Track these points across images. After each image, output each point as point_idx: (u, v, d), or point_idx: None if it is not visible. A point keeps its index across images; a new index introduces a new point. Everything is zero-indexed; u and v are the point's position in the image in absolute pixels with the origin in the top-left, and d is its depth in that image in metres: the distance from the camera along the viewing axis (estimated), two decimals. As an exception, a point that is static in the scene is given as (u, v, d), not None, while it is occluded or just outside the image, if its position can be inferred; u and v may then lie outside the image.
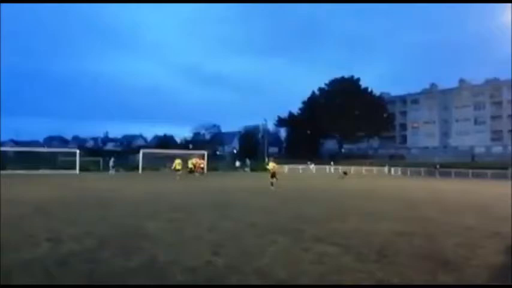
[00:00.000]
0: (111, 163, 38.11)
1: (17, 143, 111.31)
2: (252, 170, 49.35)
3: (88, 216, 9.27)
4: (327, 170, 56.45)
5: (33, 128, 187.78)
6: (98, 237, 6.79)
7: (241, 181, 28.18)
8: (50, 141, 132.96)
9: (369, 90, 79.09)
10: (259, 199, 13.96)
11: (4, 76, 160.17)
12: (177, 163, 34.46)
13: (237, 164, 50.06)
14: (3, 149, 46.93)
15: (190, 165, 34.33)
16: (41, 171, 35.76)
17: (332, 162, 60.91)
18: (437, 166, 54.38)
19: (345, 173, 37.70)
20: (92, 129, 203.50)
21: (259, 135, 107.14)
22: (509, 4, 69.14)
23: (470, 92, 78.33)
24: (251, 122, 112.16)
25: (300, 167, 55.65)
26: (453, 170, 52.21)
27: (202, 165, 39.35)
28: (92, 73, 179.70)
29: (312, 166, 56.82)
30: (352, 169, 56.87)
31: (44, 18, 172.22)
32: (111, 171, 36.33)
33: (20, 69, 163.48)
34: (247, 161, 50.66)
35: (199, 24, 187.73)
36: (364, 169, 58.50)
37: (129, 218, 8.99)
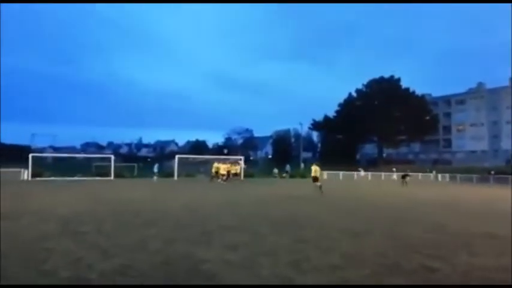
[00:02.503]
0: (155, 169, 36.18)
1: (55, 149, 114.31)
2: (290, 176, 46.95)
3: (126, 239, 7.20)
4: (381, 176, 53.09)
5: (71, 135, 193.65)
6: (137, 272, 4.67)
7: (286, 188, 25.80)
8: (86, 147, 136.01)
9: (411, 90, 74.68)
10: (329, 213, 11.54)
11: (44, 84, 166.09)
12: (223, 168, 32.65)
13: (275, 171, 47.67)
14: (39, 155, 46.85)
15: (222, 171, 32.55)
16: (76, 178, 34.91)
17: (359, 168, 57.28)
18: (492, 172, 49.92)
19: (404, 177, 34.35)
20: (126, 135, 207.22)
21: (292, 140, 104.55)
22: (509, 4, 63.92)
23: (523, 90, 72.45)
24: (282, 127, 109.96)
25: (355, 173, 52.93)
26: (510, 177, 47.62)
27: (237, 171, 37.35)
28: (127, 81, 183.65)
29: (363, 173, 53.72)
30: (395, 175, 53.39)
31: (81, 26, 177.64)
32: (155, 178, 34.48)
33: (59, 77, 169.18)
34: (288, 167, 48.20)
35: (230, 32, 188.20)
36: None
37: (179, 244, 6.83)
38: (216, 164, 34.00)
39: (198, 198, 16.31)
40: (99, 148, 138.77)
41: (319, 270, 5.12)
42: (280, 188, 26.71)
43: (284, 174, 46.54)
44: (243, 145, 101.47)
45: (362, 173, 53.77)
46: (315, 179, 20.84)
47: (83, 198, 15.58)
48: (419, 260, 5.71)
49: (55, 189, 21.34)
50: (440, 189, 29.02)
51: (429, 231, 8.42)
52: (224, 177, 31.97)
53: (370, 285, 4.34)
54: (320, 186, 19.97)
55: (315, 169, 21.62)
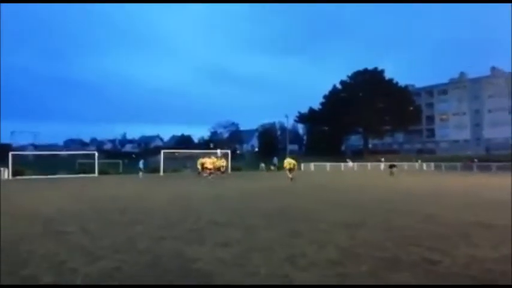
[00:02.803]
0: (140, 165, 34.79)
1: (36, 147, 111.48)
2: (277, 169, 46.87)
3: (112, 239, 6.86)
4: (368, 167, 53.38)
5: (53, 132, 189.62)
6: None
7: (277, 181, 25.64)
8: (69, 144, 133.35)
9: (394, 81, 75.27)
10: (321, 206, 11.38)
11: (25, 80, 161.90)
12: (209, 162, 32.01)
13: (262, 165, 47.48)
14: (20, 153, 45.58)
15: (208, 166, 32.01)
16: (58, 176, 34.08)
17: (347, 159, 57.61)
18: (475, 160, 50.79)
19: (391, 167, 34.49)
20: (109, 132, 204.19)
21: (278, 133, 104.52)
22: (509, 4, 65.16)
23: (504, 79, 73.57)
24: (267, 120, 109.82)
25: (342, 164, 53.05)
26: (494, 164, 48.53)
27: (223, 165, 36.95)
28: (109, 75, 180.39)
29: (351, 164, 53.86)
30: (382, 165, 53.89)
31: (63, 18, 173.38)
32: (141, 174, 33.51)
33: (39, 72, 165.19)
34: (275, 160, 48.04)
35: (217, 25, 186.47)
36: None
37: (168, 242, 6.53)
38: (201, 159, 33.40)
39: (185, 194, 15.99)
40: (83, 145, 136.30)
41: (316, 265, 4.90)
42: (268, 181, 26.53)
43: (272, 167, 46.43)
44: (229, 139, 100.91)
45: (350, 163, 53.96)
46: (290, 170, 25.31)
47: (66, 196, 15.09)
48: (418, 252, 5.55)
49: (37, 188, 20.70)
50: (427, 179, 29.30)
51: (422, 222, 8.31)
52: (211, 172, 31.50)
53: (370, 285, 4.22)
54: (291, 178, 23.96)
55: (289, 162, 26.24)
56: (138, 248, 6.04)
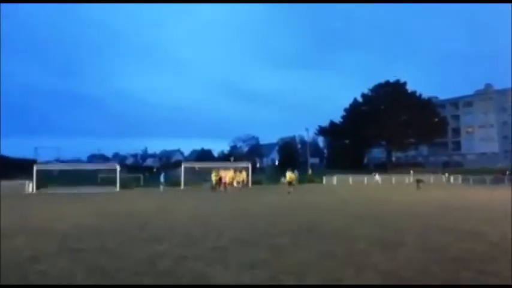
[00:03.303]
0: (161, 178, 34.64)
1: (61, 162, 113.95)
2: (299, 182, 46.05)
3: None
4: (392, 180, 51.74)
5: (76, 148, 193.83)
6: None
7: (299, 196, 24.93)
8: (92, 159, 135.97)
9: (417, 94, 73.63)
10: (355, 223, 10.70)
11: (46, 96, 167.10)
12: (228, 176, 31.77)
13: (282, 179, 46.73)
14: (44, 167, 46.35)
15: (228, 180, 31.73)
16: (81, 190, 34.26)
17: (374, 173, 55.98)
18: (507, 172, 48.55)
19: (418, 181, 33.39)
20: (131, 146, 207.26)
21: (298, 146, 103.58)
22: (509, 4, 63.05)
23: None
24: (287, 133, 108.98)
25: (366, 177, 51.67)
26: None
27: (243, 179, 36.38)
28: (129, 92, 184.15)
29: (377, 177, 52.29)
30: (407, 179, 52.26)
31: (83, 35, 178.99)
32: (162, 188, 33.38)
33: (62, 90, 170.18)
34: (296, 173, 47.19)
35: (233, 41, 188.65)
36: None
37: (190, 262, 6.05)
38: (214, 173, 33.10)
39: (207, 209, 15.54)
40: (105, 160, 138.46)
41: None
42: (290, 195, 25.83)
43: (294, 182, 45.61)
44: (249, 153, 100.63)
45: (377, 177, 52.30)
46: (289, 183, 26.80)
47: (87, 211, 14.86)
48: (469, 277, 4.88)
49: (58, 201, 20.67)
50: (457, 192, 27.97)
51: (464, 240, 7.55)
52: (229, 185, 31.16)
53: (370, 285, 4.17)
54: (289, 192, 25.04)
55: (289, 175, 27.88)
56: (159, 268, 5.57)
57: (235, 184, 32.97)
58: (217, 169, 34.31)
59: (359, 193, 27.45)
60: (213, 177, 32.78)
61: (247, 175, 39.10)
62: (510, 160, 66.72)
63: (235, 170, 37.22)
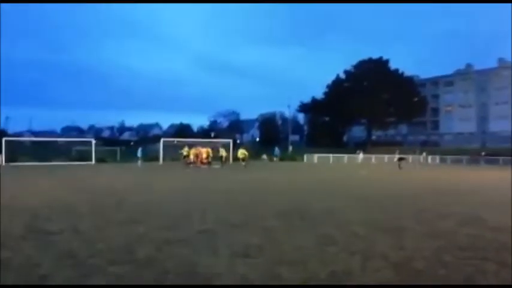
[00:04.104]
0: (139, 153, 33.65)
1: (34, 133, 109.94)
2: (280, 159, 45.81)
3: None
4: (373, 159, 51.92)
5: (50, 119, 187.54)
6: None
7: (282, 173, 24.53)
8: (67, 131, 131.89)
9: (400, 71, 73.62)
10: (347, 206, 10.19)
11: (20, 66, 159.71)
12: (204, 152, 31.22)
13: (264, 156, 46.38)
14: (14, 139, 44.25)
15: (204, 155, 31.08)
16: (54, 163, 32.85)
17: (358, 151, 56.28)
18: (483, 153, 49.58)
19: (400, 160, 33.48)
20: (108, 119, 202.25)
21: (279, 123, 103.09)
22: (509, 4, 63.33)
23: (511, 71, 71.98)
24: (267, 110, 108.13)
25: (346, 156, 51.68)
26: (501, 158, 47.44)
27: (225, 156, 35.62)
28: (108, 63, 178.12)
29: (362, 156, 52.29)
30: (387, 158, 52.77)
31: (62, 7, 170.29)
32: (139, 163, 32.39)
33: (36, 59, 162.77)
34: (277, 150, 46.88)
35: (217, 15, 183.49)
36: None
37: (175, 248, 5.35)
38: (186, 148, 32.31)
39: (188, 186, 14.81)
40: (81, 132, 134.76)
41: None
42: (273, 172, 25.40)
43: (275, 158, 45.37)
44: (229, 128, 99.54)
45: (361, 155, 52.38)
46: (242, 159, 30.37)
47: (60, 186, 13.89)
48: (491, 271, 4.37)
49: (28, 176, 19.49)
50: (439, 172, 28.20)
51: (466, 225, 7.12)
52: (206, 162, 30.52)
53: (370, 285, 3.99)
54: (245, 165, 29.18)
55: (242, 152, 31.72)
56: (138, 256, 4.85)
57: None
58: (194, 146, 33.34)
59: (342, 172, 27.26)
60: (184, 152, 32.04)
61: (228, 152, 38.24)
62: (487, 141, 68.27)
63: (214, 147, 36.07)
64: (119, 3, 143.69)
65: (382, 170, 29.10)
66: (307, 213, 8.21)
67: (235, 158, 40.62)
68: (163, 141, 39.22)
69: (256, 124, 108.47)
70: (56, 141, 59.52)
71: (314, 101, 79.57)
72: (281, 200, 10.45)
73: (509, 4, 69.73)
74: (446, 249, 5.22)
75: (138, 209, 8.74)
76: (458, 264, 4.57)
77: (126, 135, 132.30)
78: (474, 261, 4.69)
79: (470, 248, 5.35)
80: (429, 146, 69.95)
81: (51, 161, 33.39)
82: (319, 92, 79.97)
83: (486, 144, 64.34)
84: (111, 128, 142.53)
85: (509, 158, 45.95)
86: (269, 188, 14.06)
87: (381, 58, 74.46)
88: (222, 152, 33.04)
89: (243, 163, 29.96)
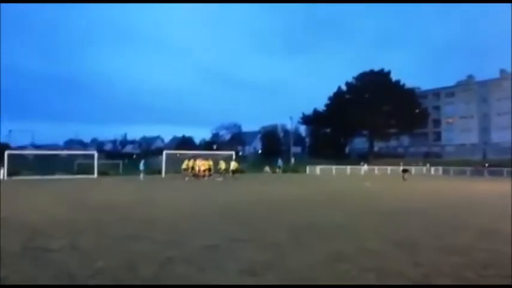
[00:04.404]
0: (141, 166, 33.14)
1: (37, 147, 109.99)
2: (282, 171, 45.55)
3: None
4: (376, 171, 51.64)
5: (53, 132, 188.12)
6: None
7: (286, 185, 24.25)
8: (69, 144, 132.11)
9: (401, 83, 73.71)
10: (370, 222, 9.93)
11: (23, 80, 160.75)
12: (204, 164, 31.11)
13: (266, 168, 46.23)
14: (16, 152, 44.13)
15: (203, 168, 30.98)
16: (56, 176, 32.66)
17: (362, 163, 56.13)
18: (486, 165, 49.17)
19: (404, 171, 33.32)
20: (110, 132, 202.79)
21: (281, 135, 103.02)
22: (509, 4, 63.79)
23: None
24: (269, 122, 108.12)
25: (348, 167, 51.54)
26: (505, 169, 47.02)
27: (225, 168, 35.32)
28: (109, 76, 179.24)
29: (366, 167, 52.18)
30: (389, 169, 52.43)
31: (62, 19, 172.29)
32: (142, 176, 31.93)
33: (39, 72, 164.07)
34: (280, 162, 46.68)
35: (217, 28, 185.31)
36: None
37: (178, 266, 5.12)
38: (186, 161, 32.24)
39: (192, 200, 14.55)
40: (83, 145, 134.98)
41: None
42: (276, 184, 25.11)
43: (277, 170, 45.16)
44: (231, 140, 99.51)
45: (365, 167, 52.19)
46: (234, 172, 31.03)
47: (60, 201, 13.66)
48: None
49: (30, 190, 19.27)
50: (444, 184, 27.84)
51: (482, 239, 6.86)
52: (205, 175, 30.41)
53: (370, 285, 4.06)
54: (235, 177, 30.01)
55: (234, 164, 32.07)
56: (140, 274, 4.62)
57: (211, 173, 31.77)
58: (193, 158, 33.15)
59: (346, 184, 26.97)
60: (184, 165, 31.97)
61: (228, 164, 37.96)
62: (489, 152, 67.87)
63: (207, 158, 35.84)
64: (120, 12, 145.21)
65: (387, 182, 28.76)
66: (321, 229, 7.96)
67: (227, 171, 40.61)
68: (166, 153, 39.01)
69: (258, 136, 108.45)
70: (58, 155, 59.61)
71: (316, 112, 79.57)
72: (294, 214, 10.21)
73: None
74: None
75: (141, 225, 8.51)
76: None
77: (128, 148, 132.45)
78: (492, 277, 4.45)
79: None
80: (431, 158, 69.61)
81: (53, 175, 33.21)
82: (321, 104, 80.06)
83: (486, 155, 64.00)
84: (114, 141, 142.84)
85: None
86: (277, 201, 13.81)
87: (382, 70, 74.66)
88: (222, 165, 32.81)
89: (231, 175, 30.44)
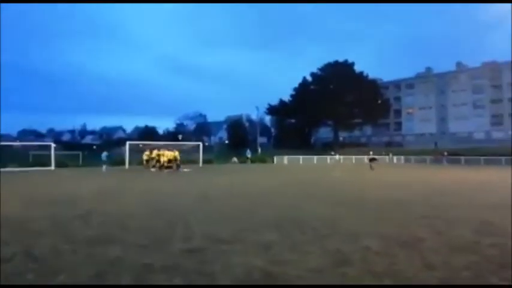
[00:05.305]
0: (104, 157, 31.20)
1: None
2: (251, 161, 45.15)
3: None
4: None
5: (5, 122, 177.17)
6: None
7: (257, 175, 23.67)
8: (23, 135, 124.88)
9: (365, 74, 75.11)
10: (358, 215, 9.43)
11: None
12: (168, 155, 30.01)
13: (234, 159, 45.71)
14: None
15: (164, 158, 29.90)
16: (8, 169, 30.28)
17: (333, 152, 57.05)
18: (445, 153, 51.14)
19: (371, 160, 33.74)
20: (68, 122, 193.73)
21: (247, 125, 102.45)
22: (509, 4, 66.85)
23: (468, 75, 75.34)
24: (234, 113, 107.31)
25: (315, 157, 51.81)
26: (463, 157, 49.14)
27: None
28: (69, 64, 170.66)
29: (337, 157, 53.04)
30: (354, 158, 53.40)
31: (25, 7, 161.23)
32: (104, 167, 30.06)
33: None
34: (249, 152, 46.27)
35: (181, 18, 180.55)
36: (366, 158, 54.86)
37: (163, 276, 4.35)
38: (147, 152, 31.26)
39: (161, 193, 13.61)
40: (39, 136, 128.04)
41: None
42: (247, 175, 24.50)
43: (247, 160, 44.86)
44: (196, 131, 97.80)
45: (336, 156, 53.28)
46: (169, 162, 29.62)
47: (10, 196, 12.28)
48: None
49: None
50: (411, 173, 28.34)
51: (486, 233, 6.54)
52: (167, 166, 29.31)
53: (370, 285, 3.93)
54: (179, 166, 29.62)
55: (172, 154, 30.26)
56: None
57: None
58: (155, 149, 31.93)
59: (316, 174, 26.83)
60: (144, 157, 30.85)
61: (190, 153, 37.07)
62: (446, 141, 70.78)
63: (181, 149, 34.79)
64: (80, 3, 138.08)
65: (357, 172, 28.91)
66: (305, 224, 7.38)
67: (205, 161, 39.60)
68: (130, 144, 37.34)
69: (224, 126, 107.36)
70: (11, 146, 55.97)
71: (282, 103, 79.67)
72: (273, 207, 9.60)
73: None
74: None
75: (108, 222, 7.58)
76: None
77: (88, 139, 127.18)
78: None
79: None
80: (393, 147, 71.79)
81: (5, 167, 30.81)
82: (286, 95, 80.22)
83: (437, 145, 66.86)
84: (72, 132, 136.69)
85: (471, 157, 47.76)
86: (258, 193, 13.17)
87: (346, 61, 75.66)
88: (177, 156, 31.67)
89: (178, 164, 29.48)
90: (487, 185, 17.07)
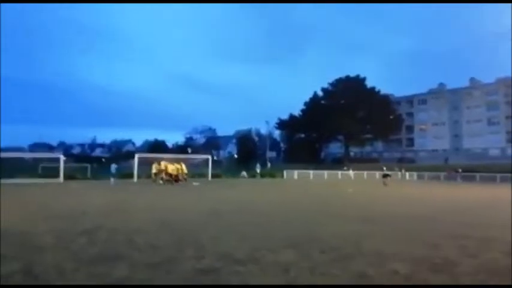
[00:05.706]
0: (112, 170, 30.65)
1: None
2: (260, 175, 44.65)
3: None
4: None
5: (18, 135, 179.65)
6: None
7: (267, 190, 23.15)
8: (34, 147, 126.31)
9: (376, 90, 74.69)
10: (379, 234, 8.89)
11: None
12: (171, 168, 29.40)
13: (243, 173, 45.23)
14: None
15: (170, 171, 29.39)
16: (18, 180, 30.18)
17: (345, 167, 56.38)
18: (459, 170, 49.99)
19: (385, 176, 33.10)
20: (79, 136, 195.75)
21: (256, 139, 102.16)
22: (509, 4, 66.56)
23: (481, 91, 74.40)
24: (243, 127, 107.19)
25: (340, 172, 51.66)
26: (478, 174, 48.00)
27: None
28: (80, 79, 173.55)
29: (351, 172, 52.50)
30: (365, 174, 52.56)
31: (32, 21, 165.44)
32: (112, 180, 29.21)
33: (5, 75, 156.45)
34: (258, 166, 45.85)
35: (192, 32, 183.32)
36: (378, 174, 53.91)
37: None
38: (155, 165, 30.73)
39: (171, 207, 13.18)
40: (50, 149, 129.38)
41: None
42: (258, 190, 23.98)
43: (256, 174, 44.44)
44: (205, 145, 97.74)
45: (350, 172, 52.76)
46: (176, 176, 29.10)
47: (16, 209, 11.96)
48: None
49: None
50: (428, 189, 27.56)
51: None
52: (175, 180, 28.78)
53: (370, 285, 3.96)
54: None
55: (177, 167, 29.76)
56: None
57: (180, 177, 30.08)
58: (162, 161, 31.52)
59: (329, 189, 26.24)
60: (153, 170, 30.48)
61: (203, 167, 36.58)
62: (460, 157, 69.48)
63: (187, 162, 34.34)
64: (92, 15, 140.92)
65: (371, 187, 28.19)
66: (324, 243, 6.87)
67: (213, 175, 39.21)
68: (138, 157, 37.09)
69: (233, 140, 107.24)
70: (23, 158, 56.42)
71: (292, 117, 79.48)
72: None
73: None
74: None
75: (116, 239, 7.15)
76: None
77: (97, 152, 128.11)
78: None
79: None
80: (405, 163, 70.71)
81: (14, 178, 30.75)
82: (296, 110, 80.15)
83: (448, 161, 65.68)
84: (82, 145, 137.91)
85: (487, 174, 46.60)
86: (272, 213, 12.66)
87: (357, 76, 75.43)
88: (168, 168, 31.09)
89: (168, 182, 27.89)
90: None
